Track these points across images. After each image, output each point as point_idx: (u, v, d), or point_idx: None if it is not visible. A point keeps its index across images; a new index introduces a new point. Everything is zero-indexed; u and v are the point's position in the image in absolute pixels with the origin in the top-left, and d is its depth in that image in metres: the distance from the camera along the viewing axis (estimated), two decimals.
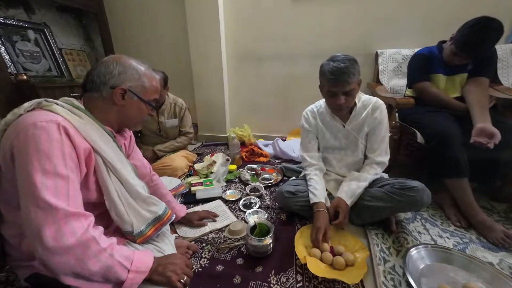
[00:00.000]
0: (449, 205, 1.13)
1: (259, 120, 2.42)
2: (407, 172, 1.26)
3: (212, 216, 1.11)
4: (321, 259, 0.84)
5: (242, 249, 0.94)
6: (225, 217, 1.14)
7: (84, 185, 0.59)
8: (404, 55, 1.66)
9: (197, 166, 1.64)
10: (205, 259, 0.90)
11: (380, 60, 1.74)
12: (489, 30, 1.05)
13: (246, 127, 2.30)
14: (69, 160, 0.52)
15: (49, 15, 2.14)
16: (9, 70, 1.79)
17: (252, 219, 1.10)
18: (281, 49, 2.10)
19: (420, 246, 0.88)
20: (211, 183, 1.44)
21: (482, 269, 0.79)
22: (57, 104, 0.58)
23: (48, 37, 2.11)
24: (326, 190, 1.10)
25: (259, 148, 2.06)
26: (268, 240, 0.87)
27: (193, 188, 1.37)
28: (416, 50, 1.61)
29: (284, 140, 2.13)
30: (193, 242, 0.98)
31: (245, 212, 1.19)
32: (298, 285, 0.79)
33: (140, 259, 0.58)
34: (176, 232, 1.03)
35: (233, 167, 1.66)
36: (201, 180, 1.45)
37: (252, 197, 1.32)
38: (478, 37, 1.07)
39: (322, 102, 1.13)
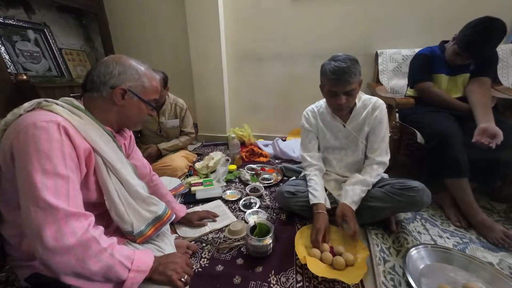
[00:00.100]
0: (449, 205, 1.13)
1: (259, 120, 2.42)
2: (407, 172, 1.26)
3: (212, 216, 1.11)
4: (321, 259, 0.84)
5: (242, 249, 0.94)
6: (225, 217, 1.14)
7: (84, 185, 0.59)
8: (404, 55, 1.66)
9: (197, 164, 1.65)
10: (205, 259, 0.90)
11: (380, 60, 1.74)
12: (492, 30, 1.04)
13: (246, 127, 2.30)
14: (69, 160, 0.52)
15: (49, 15, 2.14)
16: (9, 70, 1.79)
17: (252, 219, 1.10)
18: (281, 49, 2.10)
19: (420, 246, 0.88)
20: (211, 183, 1.44)
21: (482, 269, 0.79)
22: (57, 104, 0.58)
23: (48, 37, 2.11)
24: (326, 190, 1.10)
25: (259, 148, 2.06)
26: (268, 240, 0.87)
27: (193, 188, 1.37)
28: (416, 50, 1.62)
29: (284, 140, 2.13)
30: (193, 242, 0.98)
31: (245, 212, 1.19)
32: (298, 285, 0.79)
33: (140, 258, 0.58)
34: (176, 232, 1.03)
35: (233, 167, 1.66)
36: (201, 180, 1.45)
37: (252, 197, 1.32)
38: (481, 37, 1.06)
39: (322, 102, 1.13)
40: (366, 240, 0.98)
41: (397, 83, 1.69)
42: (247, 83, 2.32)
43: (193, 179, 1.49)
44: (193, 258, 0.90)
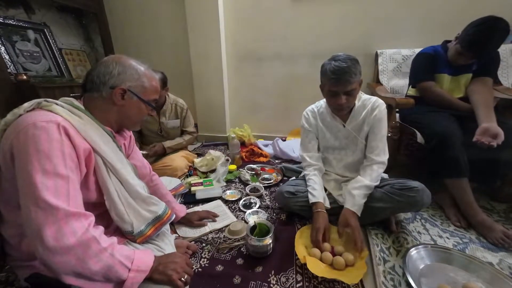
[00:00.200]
0: (449, 205, 1.13)
1: (259, 120, 2.42)
2: (407, 172, 1.26)
3: (212, 216, 1.11)
4: (321, 259, 0.84)
5: (242, 249, 0.94)
6: (225, 217, 1.14)
7: (84, 185, 0.59)
8: (404, 55, 1.66)
9: (197, 161, 1.68)
10: (205, 259, 0.90)
11: (380, 60, 1.74)
12: (495, 29, 1.04)
13: (246, 127, 2.30)
14: (69, 160, 0.52)
15: (49, 15, 2.14)
16: (9, 70, 1.79)
17: (252, 219, 1.10)
18: (281, 49, 2.10)
19: (420, 246, 0.88)
20: (211, 183, 1.44)
21: (482, 269, 0.79)
22: (57, 104, 0.58)
23: (48, 37, 2.11)
24: (326, 190, 1.10)
25: (259, 148, 2.06)
26: (268, 240, 0.87)
27: (193, 188, 1.37)
28: (416, 50, 1.62)
29: (284, 140, 2.13)
30: (193, 242, 0.99)
31: (245, 212, 1.19)
32: (298, 285, 0.79)
33: (140, 258, 0.58)
34: (176, 232, 1.03)
35: (233, 167, 1.66)
36: (201, 180, 1.45)
37: (252, 197, 1.32)
38: (484, 37, 1.06)
39: (322, 102, 1.13)
40: (366, 240, 0.97)
41: (397, 83, 1.69)
42: (247, 83, 2.32)
43: (193, 179, 1.49)
44: (193, 258, 0.90)
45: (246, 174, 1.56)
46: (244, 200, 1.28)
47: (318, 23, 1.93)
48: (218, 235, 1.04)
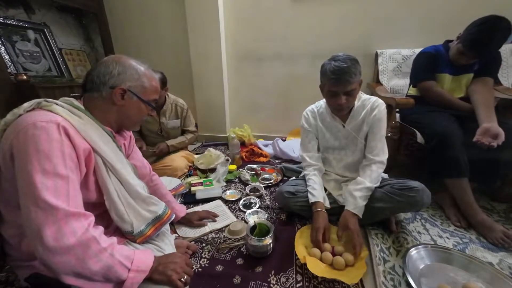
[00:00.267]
0: (449, 205, 1.13)
1: (259, 120, 2.42)
2: (407, 172, 1.26)
3: (212, 216, 1.11)
4: (321, 259, 0.84)
5: (242, 249, 0.94)
6: (225, 217, 1.14)
7: (84, 185, 0.59)
8: (404, 55, 1.66)
9: (196, 157, 1.71)
10: (205, 259, 0.90)
11: (380, 60, 1.74)
12: (498, 29, 1.03)
13: (246, 127, 2.30)
14: (69, 160, 0.52)
15: (49, 15, 2.14)
16: (9, 70, 1.79)
17: (252, 219, 1.10)
18: (281, 49, 2.10)
19: (420, 246, 0.88)
20: (211, 183, 1.44)
21: (482, 269, 0.79)
22: (56, 104, 0.58)
23: (48, 37, 2.11)
24: (326, 190, 1.10)
25: (259, 148, 2.06)
26: (268, 240, 0.87)
27: (193, 188, 1.37)
28: (416, 50, 1.62)
29: (284, 140, 2.13)
30: (193, 242, 0.99)
31: (245, 212, 1.19)
32: (298, 285, 0.79)
33: (140, 258, 0.58)
34: (176, 232, 1.03)
35: (233, 167, 1.66)
36: (201, 180, 1.45)
37: (252, 197, 1.32)
38: (486, 36, 1.05)
39: (322, 102, 1.13)
40: (366, 240, 0.97)
41: (397, 83, 1.69)
42: (247, 83, 2.32)
43: (193, 179, 1.49)
44: (193, 258, 0.90)
45: (246, 174, 1.56)
46: (244, 200, 1.28)
47: (318, 23, 1.93)
48: (218, 235, 1.04)
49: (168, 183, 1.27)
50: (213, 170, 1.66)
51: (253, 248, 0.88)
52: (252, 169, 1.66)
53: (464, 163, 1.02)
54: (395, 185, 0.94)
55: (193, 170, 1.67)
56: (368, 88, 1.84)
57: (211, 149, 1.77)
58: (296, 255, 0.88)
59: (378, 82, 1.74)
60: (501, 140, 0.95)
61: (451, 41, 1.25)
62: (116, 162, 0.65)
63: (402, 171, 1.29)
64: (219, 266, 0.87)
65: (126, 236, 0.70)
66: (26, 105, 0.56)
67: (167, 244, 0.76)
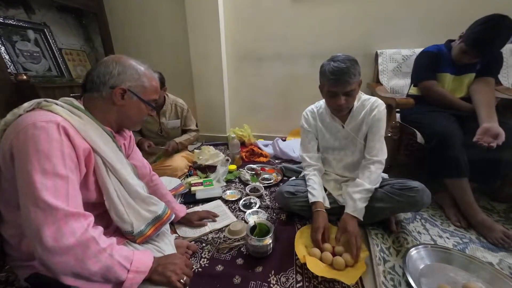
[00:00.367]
0: (449, 205, 1.13)
1: (259, 120, 2.42)
2: (407, 172, 1.26)
3: (212, 216, 1.11)
4: (320, 259, 0.84)
5: (242, 249, 0.94)
6: (225, 217, 1.14)
7: (83, 185, 0.59)
8: (404, 55, 1.66)
9: (197, 152, 1.73)
10: (205, 259, 0.90)
11: (380, 60, 1.74)
12: (501, 27, 1.03)
13: (246, 127, 2.30)
14: (68, 160, 0.52)
15: (49, 15, 2.14)
16: (9, 70, 1.79)
17: (252, 219, 1.10)
18: (281, 49, 2.10)
19: (420, 246, 0.88)
20: (211, 183, 1.44)
21: (482, 269, 0.79)
22: (56, 104, 0.58)
23: (48, 37, 2.11)
24: (326, 190, 1.10)
25: (259, 148, 2.06)
26: (268, 240, 0.87)
27: (193, 188, 1.37)
28: (416, 50, 1.62)
29: (284, 140, 2.13)
30: (193, 242, 0.99)
31: (245, 212, 1.19)
32: (298, 285, 0.79)
33: (139, 259, 0.58)
34: (176, 232, 1.03)
35: (233, 167, 1.66)
36: (201, 180, 1.45)
37: (252, 197, 1.32)
38: (489, 35, 1.04)
39: (322, 102, 1.13)
40: (366, 240, 0.97)
41: (397, 83, 1.69)
42: (247, 83, 2.32)
43: (193, 179, 1.49)
44: (193, 258, 0.90)
45: (246, 174, 1.56)
46: (244, 200, 1.28)
47: (318, 23, 1.93)
48: (218, 235, 1.04)
49: (168, 183, 1.27)
50: (212, 167, 1.66)
51: (253, 248, 0.88)
52: (252, 169, 1.66)
53: (464, 163, 1.02)
54: (395, 185, 0.94)
55: (193, 170, 1.67)
56: (368, 88, 1.84)
57: (210, 148, 1.79)
58: (296, 255, 0.88)
59: (378, 82, 1.74)
60: (501, 140, 0.95)
61: (453, 40, 1.25)
62: (116, 162, 0.65)
63: (402, 171, 1.29)
64: (219, 266, 0.87)
65: (126, 236, 0.70)
66: (26, 105, 0.56)
67: (167, 244, 0.76)
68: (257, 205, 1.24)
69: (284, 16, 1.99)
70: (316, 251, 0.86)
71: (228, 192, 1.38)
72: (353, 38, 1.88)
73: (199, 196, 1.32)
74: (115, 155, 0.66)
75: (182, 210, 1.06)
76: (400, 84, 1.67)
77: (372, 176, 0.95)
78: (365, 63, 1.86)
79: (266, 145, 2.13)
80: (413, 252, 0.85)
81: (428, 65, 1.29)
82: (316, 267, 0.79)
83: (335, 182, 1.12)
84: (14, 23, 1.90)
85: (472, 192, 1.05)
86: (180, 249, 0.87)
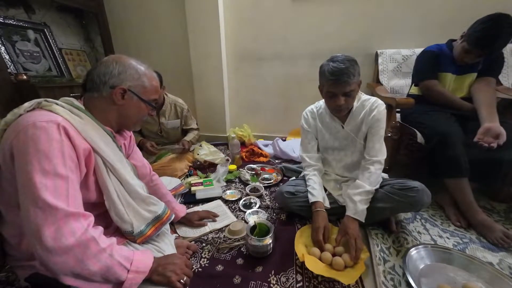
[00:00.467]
0: (449, 205, 1.13)
1: (259, 120, 2.42)
2: (407, 172, 1.26)
3: (212, 216, 1.11)
4: (320, 259, 0.84)
5: (242, 249, 0.94)
6: (225, 217, 1.14)
7: (83, 185, 0.59)
8: (404, 55, 1.66)
9: (196, 147, 1.75)
10: (205, 259, 0.90)
11: (380, 60, 1.74)
12: (503, 25, 1.02)
13: (246, 127, 2.30)
14: (68, 160, 0.52)
15: (49, 15, 2.14)
16: (9, 70, 1.78)
17: (252, 219, 1.10)
18: (281, 49, 2.10)
19: (420, 246, 0.88)
20: (211, 183, 1.44)
21: (482, 269, 0.79)
22: (57, 104, 0.58)
23: (48, 37, 2.11)
24: (326, 190, 1.10)
25: (259, 148, 2.06)
26: (268, 240, 0.87)
27: (193, 188, 1.37)
28: (416, 50, 1.62)
29: (284, 140, 2.13)
30: (193, 242, 0.98)
31: (245, 212, 1.19)
32: (298, 285, 0.79)
33: (139, 259, 0.58)
34: (176, 232, 1.03)
35: (233, 167, 1.66)
36: (201, 180, 1.45)
37: (252, 197, 1.32)
38: (492, 33, 1.04)
39: (322, 102, 1.13)
40: (366, 240, 0.97)
41: (397, 83, 1.69)
42: (247, 83, 2.32)
43: (193, 179, 1.49)
44: (193, 258, 0.90)
45: (246, 174, 1.56)
46: (244, 200, 1.28)
47: (318, 23, 1.93)
48: (218, 235, 1.04)
49: (168, 183, 1.27)
50: (212, 167, 1.66)
51: (253, 248, 0.88)
52: (252, 169, 1.66)
53: (464, 163, 1.02)
54: (395, 185, 0.94)
55: (193, 170, 1.67)
56: (368, 88, 1.84)
57: (209, 143, 1.82)
58: (296, 254, 0.88)
59: (378, 82, 1.74)
60: (502, 140, 0.95)
61: (455, 40, 1.24)
62: (116, 162, 0.65)
63: (402, 171, 1.29)
64: (219, 266, 0.87)
65: (126, 236, 0.70)
66: (26, 105, 0.56)
67: (167, 244, 0.76)
68: (257, 205, 1.24)
69: (284, 16, 1.99)
70: (316, 250, 0.86)
71: (228, 192, 1.38)
72: (353, 38, 1.88)
73: (199, 196, 1.32)
74: (115, 155, 0.66)
75: (182, 210, 1.06)
76: (400, 84, 1.67)
77: (372, 177, 0.95)
78: (365, 63, 1.86)
79: (266, 145, 2.13)
80: (413, 252, 0.85)
81: (430, 64, 1.28)
82: (315, 266, 0.79)
83: (335, 182, 1.12)
84: (14, 23, 1.89)
85: (472, 192, 1.04)
86: (180, 249, 0.87)
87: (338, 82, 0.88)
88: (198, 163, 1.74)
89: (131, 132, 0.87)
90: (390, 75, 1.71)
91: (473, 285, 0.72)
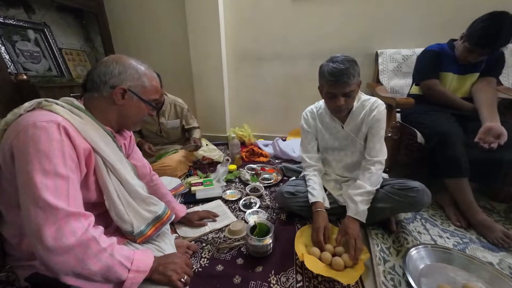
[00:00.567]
0: (449, 205, 1.13)
1: (259, 120, 2.42)
2: (407, 172, 1.26)
3: (212, 216, 1.11)
4: (320, 259, 0.84)
5: (242, 249, 0.94)
6: (225, 217, 1.14)
7: (84, 185, 0.59)
8: (404, 55, 1.67)
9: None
10: (205, 259, 0.90)
11: (380, 60, 1.74)
12: (503, 22, 1.02)
13: (246, 127, 2.30)
14: (69, 160, 0.52)
15: (49, 15, 2.14)
16: (9, 70, 1.78)
17: (252, 219, 1.10)
18: (281, 49, 2.10)
19: (420, 246, 0.88)
20: (211, 183, 1.44)
21: (482, 269, 0.79)
22: (57, 104, 0.58)
23: (48, 37, 2.11)
24: (326, 190, 1.10)
25: (259, 148, 2.06)
26: (268, 240, 0.87)
27: (193, 188, 1.37)
28: (416, 50, 1.62)
29: (284, 140, 2.13)
30: (193, 242, 0.99)
31: (245, 212, 1.19)
32: (298, 285, 0.79)
33: (140, 258, 0.58)
34: (176, 232, 1.03)
35: (233, 167, 1.66)
36: (201, 180, 1.45)
37: (252, 197, 1.32)
38: (493, 30, 1.04)
39: (321, 102, 1.13)
40: (366, 240, 0.97)
41: (397, 83, 1.69)
42: (247, 83, 2.32)
43: (193, 179, 1.49)
44: (193, 258, 0.90)
45: (246, 174, 1.56)
46: (244, 200, 1.28)
47: (318, 23, 1.93)
48: (218, 235, 1.04)
49: (168, 183, 1.27)
50: (212, 167, 1.66)
51: (253, 248, 0.88)
52: (252, 169, 1.66)
53: (464, 163, 1.02)
54: (395, 185, 0.94)
55: (193, 170, 1.67)
56: (368, 88, 1.84)
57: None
58: (296, 254, 0.88)
59: (378, 82, 1.74)
60: (503, 140, 0.95)
61: (456, 40, 1.24)
62: (116, 162, 0.65)
63: (402, 171, 1.29)
64: (219, 266, 0.87)
65: (126, 236, 0.70)
66: (26, 105, 0.56)
67: (168, 244, 0.76)
68: (257, 205, 1.24)
69: (284, 16, 1.99)
70: (316, 250, 0.86)
71: (228, 192, 1.38)
72: (353, 38, 1.88)
73: (199, 196, 1.32)
74: (115, 155, 0.66)
75: (182, 210, 1.06)
76: (400, 84, 1.67)
77: (373, 177, 0.95)
78: (365, 63, 1.86)
79: (266, 145, 2.13)
80: (413, 252, 0.85)
81: (431, 64, 1.28)
82: (315, 266, 0.79)
83: (335, 182, 1.12)
84: (14, 23, 1.89)
85: (472, 192, 1.05)
86: (180, 249, 0.87)
87: (338, 83, 0.88)
88: (198, 161, 1.74)
89: (131, 132, 0.87)
90: (390, 75, 1.71)
91: (473, 285, 0.72)
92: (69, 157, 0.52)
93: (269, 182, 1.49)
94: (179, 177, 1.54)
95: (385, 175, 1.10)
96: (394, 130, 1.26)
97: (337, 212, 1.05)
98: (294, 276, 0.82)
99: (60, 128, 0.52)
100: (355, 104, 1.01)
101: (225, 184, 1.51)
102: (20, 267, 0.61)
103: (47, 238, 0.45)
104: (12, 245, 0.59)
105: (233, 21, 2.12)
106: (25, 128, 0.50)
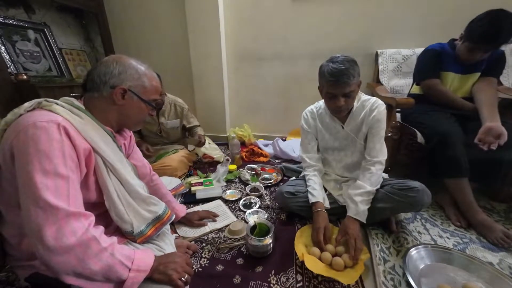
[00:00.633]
0: (449, 205, 1.13)
1: (259, 120, 2.42)
2: (407, 172, 1.26)
3: (212, 216, 1.11)
4: (320, 259, 0.84)
5: (242, 249, 0.94)
6: (225, 217, 1.14)
7: (84, 185, 0.59)
8: (404, 55, 1.67)
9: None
10: (205, 259, 0.90)
11: (380, 60, 1.74)
12: (502, 18, 1.02)
13: (246, 127, 2.30)
14: (69, 160, 0.52)
15: (49, 15, 2.14)
16: (9, 70, 1.78)
17: (252, 219, 1.10)
18: (281, 49, 2.10)
19: (420, 246, 0.88)
20: (211, 183, 1.44)
21: (482, 269, 0.79)
22: (57, 104, 0.58)
23: (48, 37, 2.11)
24: (326, 190, 1.10)
25: (259, 148, 2.06)
26: (268, 240, 0.87)
27: (193, 188, 1.37)
28: (416, 50, 1.62)
29: (284, 140, 2.13)
30: (193, 242, 0.99)
31: (245, 212, 1.19)
32: (298, 285, 0.79)
33: (141, 258, 0.58)
34: (176, 232, 1.03)
35: (233, 167, 1.66)
36: (201, 180, 1.45)
37: (252, 197, 1.32)
38: (494, 27, 1.03)
39: (321, 103, 1.13)
40: (366, 240, 0.97)
41: (397, 83, 1.69)
42: (247, 83, 2.32)
43: (193, 179, 1.49)
44: (193, 258, 0.90)
45: (246, 174, 1.56)
46: (244, 200, 1.29)
47: (318, 23, 1.93)
48: (218, 235, 1.04)
49: (168, 183, 1.27)
50: (212, 167, 1.65)
51: (253, 248, 0.88)
52: (252, 169, 1.66)
53: (464, 163, 1.02)
54: (395, 185, 0.94)
55: (193, 170, 1.67)
56: (368, 88, 1.84)
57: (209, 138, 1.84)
58: (296, 254, 0.88)
59: (378, 82, 1.74)
60: (503, 140, 0.95)
61: (457, 39, 1.24)
62: (116, 162, 0.65)
63: (402, 171, 1.29)
64: (219, 266, 0.87)
65: (126, 236, 0.70)
66: (26, 104, 0.56)
67: (168, 244, 0.76)
68: (257, 205, 1.25)
69: (284, 16, 1.99)
70: (316, 250, 0.86)
71: (228, 192, 1.38)
72: (353, 38, 1.88)
73: (199, 196, 1.32)
74: (115, 155, 0.66)
75: (182, 210, 1.06)
76: (400, 84, 1.67)
77: (373, 177, 0.95)
78: (365, 63, 1.86)
79: (266, 145, 2.14)
80: (413, 252, 0.85)
81: (431, 63, 1.28)
82: (314, 266, 0.79)
83: (335, 182, 1.12)
84: (14, 23, 1.89)
85: (472, 192, 1.05)
86: (180, 249, 0.87)
87: (338, 83, 0.88)
88: (198, 159, 1.74)
89: (131, 132, 0.87)
90: (390, 75, 1.71)
91: (473, 285, 0.73)
92: (69, 157, 0.52)
93: (269, 182, 1.49)
94: (179, 177, 1.54)
95: (385, 175, 1.10)
96: (394, 130, 1.26)
97: (337, 212, 1.05)
98: (294, 276, 0.82)
99: (60, 128, 0.52)
100: (355, 104, 1.01)
101: (225, 184, 1.51)
102: (20, 267, 0.61)
103: (48, 238, 0.45)
104: (12, 245, 0.59)
105: (233, 21, 2.12)
106: (25, 128, 0.50)
